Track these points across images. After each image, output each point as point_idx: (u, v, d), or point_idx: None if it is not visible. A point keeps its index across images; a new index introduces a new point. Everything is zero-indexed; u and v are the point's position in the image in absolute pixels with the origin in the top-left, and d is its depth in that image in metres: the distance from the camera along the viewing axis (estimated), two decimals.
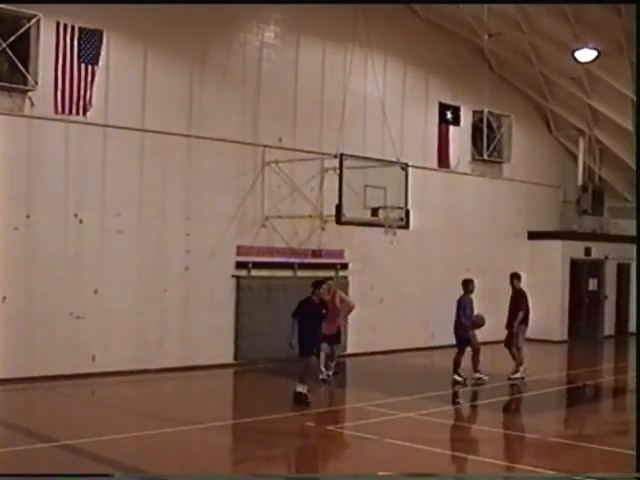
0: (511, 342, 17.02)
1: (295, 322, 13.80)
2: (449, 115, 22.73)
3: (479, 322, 16.56)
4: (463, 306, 16.45)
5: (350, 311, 17.13)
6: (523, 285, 17.71)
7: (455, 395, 15.92)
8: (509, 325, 17.05)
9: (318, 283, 14.25)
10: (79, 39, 15.63)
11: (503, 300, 17.48)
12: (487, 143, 23.34)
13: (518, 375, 16.81)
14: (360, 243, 20.09)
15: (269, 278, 18.65)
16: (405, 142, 20.53)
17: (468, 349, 16.50)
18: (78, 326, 15.70)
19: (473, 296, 16.73)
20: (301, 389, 13.69)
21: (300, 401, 13.56)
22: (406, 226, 18.22)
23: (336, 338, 16.40)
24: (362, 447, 11.58)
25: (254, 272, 18.34)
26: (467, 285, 16.66)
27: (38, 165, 15.36)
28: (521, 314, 16.93)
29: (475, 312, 16.58)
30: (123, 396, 14.96)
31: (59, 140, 15.61)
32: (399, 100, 21.45)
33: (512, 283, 17.40)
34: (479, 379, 16.38)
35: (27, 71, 14.98)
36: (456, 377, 16.35)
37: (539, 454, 11.14)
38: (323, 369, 16.01)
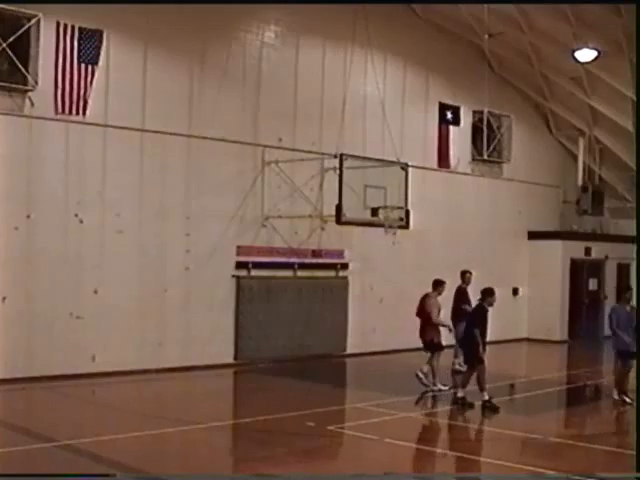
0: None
1: (477, 333, 13.85)
2: (449, 115, 22.71)
3: None
4: (616, 317, 14.72)
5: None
6: (524, 286, 17.66)
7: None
8: None
9: (489, 290, 14.17)
10: (79, 39, 15.63)
11: (503, 300, 17.45)
12: (487, 143, 23.33)
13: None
14: (360, 243, 20.08)
15: (269, 278, 18.64)
16: (405, 142, 20.52)
17: None
18: (78, 326, 15.70)
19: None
20: (487, 397, 13.77)
21: (493, 409, 13.67)
22: (406, 226, 18.22)
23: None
24: (362, 447, 11.57)
25: (254, 272, 18.34)
26: (621, 295, 15.66)
27: (38, 165, 15.36)
28: None
29: None
30: (123, 396, 14.96)
31: (59, 140, 15.61)
32: (399, 100, 21.45)
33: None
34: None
35: (27, 71, 14.98)
36: (622, 397, 14.51)
37: (539, 454, 11.14)
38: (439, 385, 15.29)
